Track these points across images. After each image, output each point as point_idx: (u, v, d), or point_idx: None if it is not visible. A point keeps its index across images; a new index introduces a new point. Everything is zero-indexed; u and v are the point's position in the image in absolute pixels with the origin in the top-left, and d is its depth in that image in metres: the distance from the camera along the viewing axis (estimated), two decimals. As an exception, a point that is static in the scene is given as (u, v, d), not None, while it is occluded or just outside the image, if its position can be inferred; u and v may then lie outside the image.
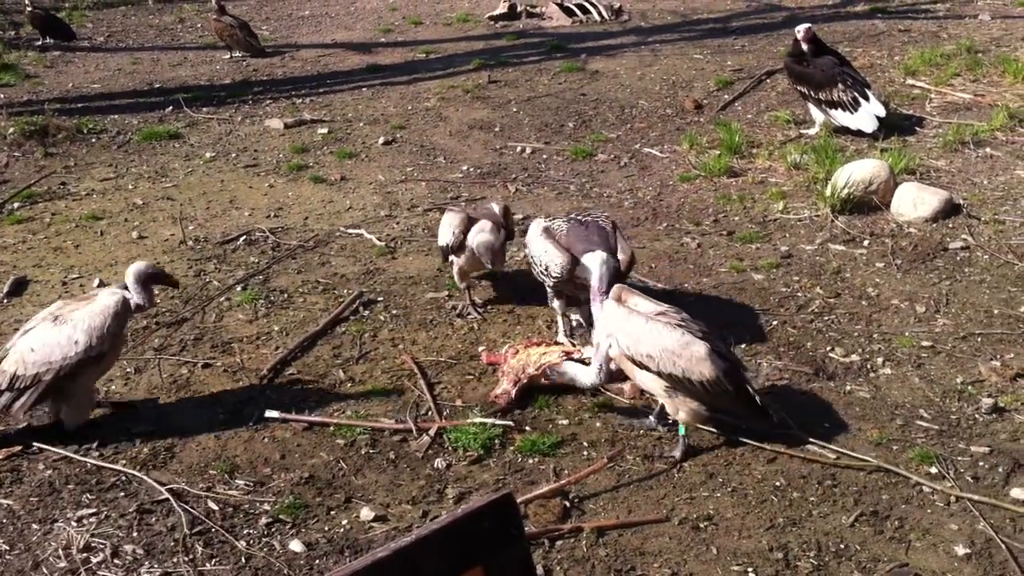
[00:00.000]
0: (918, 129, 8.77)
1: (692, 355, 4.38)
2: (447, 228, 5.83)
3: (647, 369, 4.45)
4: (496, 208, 5.92)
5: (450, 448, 4.66)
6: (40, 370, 4.61)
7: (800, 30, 8.89)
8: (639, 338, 4.46)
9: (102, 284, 6.35)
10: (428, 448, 4.66)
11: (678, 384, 4.44)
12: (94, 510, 4.31)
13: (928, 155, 8.14)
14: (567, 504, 4.26)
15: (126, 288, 4.80)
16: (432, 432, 4.73)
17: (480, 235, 5.64)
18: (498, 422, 4.78)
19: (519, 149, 8.73)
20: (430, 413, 4.93)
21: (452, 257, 5.87)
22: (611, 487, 4.38)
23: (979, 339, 5.48)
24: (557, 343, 5.24)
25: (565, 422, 4.85)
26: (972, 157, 8.10)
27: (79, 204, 7.74)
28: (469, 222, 5.75)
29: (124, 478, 4.52)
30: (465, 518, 2.14)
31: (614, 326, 4.56)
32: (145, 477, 4.50)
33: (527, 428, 4.80)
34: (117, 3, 16.26)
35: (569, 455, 4.61)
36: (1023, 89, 9.55)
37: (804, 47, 8.81)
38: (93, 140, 9.21)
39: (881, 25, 12.34)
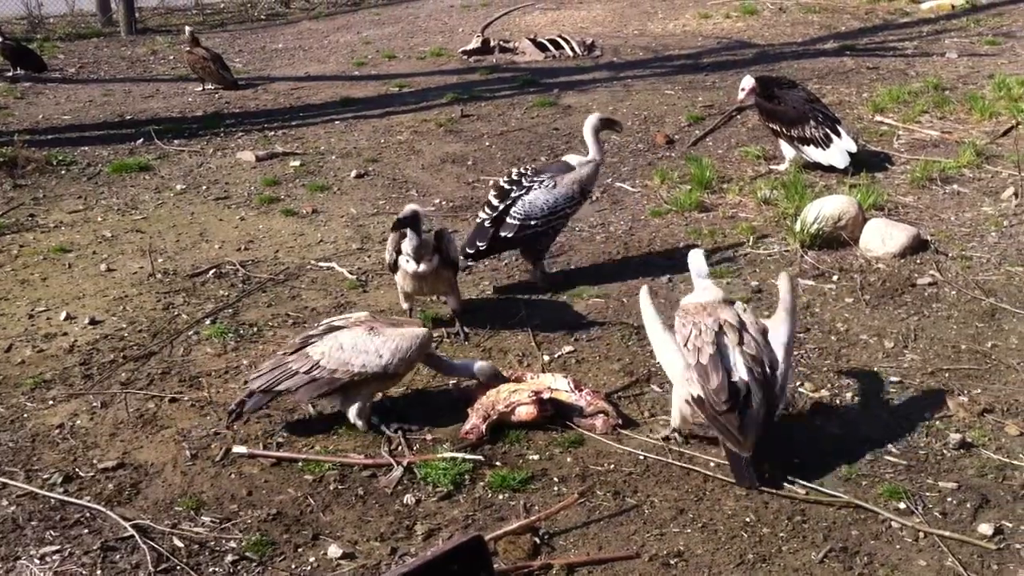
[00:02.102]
0: (886, 165, 8.85)
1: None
2: (386, 248, 6.07)
3: None
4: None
5: (420, 483, 4.63)
6: (339, 368, 4.90)
7: (744, 87, 8.95)
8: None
9: (69, 317, 6.31)
10: (397, 484, 4.63)
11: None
12: (57, 547, 4.25)
13: (896, 191, 8.22)
14: (537, 540, 4.23)
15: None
16: (402, 467, 4.70)
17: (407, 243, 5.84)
18: (468, 457, 4.75)
19: (491, 183, 8.74)
20: (400, 448, 4.90)
21: (396, 277, 6.03)
22: (581, 523, 4.37)
23: (947, 374, 5.51)
24: (527, 380, 5.21)
25: (536, 457, 4.84)
26: (939, 193, 8.19)
27: (47, 236, 7.69)
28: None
29: (89, 514, 4.46)
30: (434, 562, 2.12)
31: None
32: (110, 513, 4.44)
33: (497, 463, 4.77)
34: (89, 35, 16.23)
35: (539, 491, 4.59)
36: (990, 126, 9.67)
37: (744, 98, 8.91)
38: (63, 172, 9.17)
39: (850, 63, 12.48)
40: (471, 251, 6.62)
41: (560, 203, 6.59)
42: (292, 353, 5.02)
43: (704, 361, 4.60)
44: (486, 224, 6.61)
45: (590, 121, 6.75)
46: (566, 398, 5.08)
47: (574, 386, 5.13)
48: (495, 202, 6.63)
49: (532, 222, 6.54)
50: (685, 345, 4.72)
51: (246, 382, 5.18)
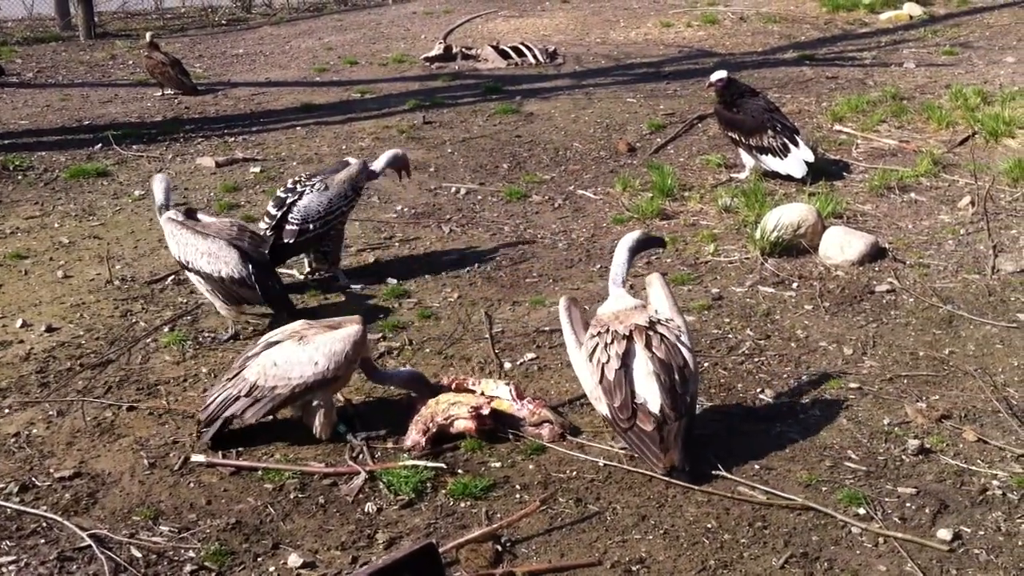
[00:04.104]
0: (845, 174, 8.94)
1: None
2: None
3: None
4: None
5: (381, 491, 4.61)
6: (278, 384, 4.88)
7: (715, 77, 9.01)
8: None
9: (25, 325, 6.22)
10: (359, 492, 4.60)
11: None
12: (13, 557, 4.19)
13: (855, 199, 8.30)
14: (499, 548, 4.22)
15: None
16: (363, 476, 4.68)
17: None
18: (430, 464, 4.73)
19: (453, 190, 8.74)
20: (361, 456, 4.88)
21: None
22: (544, 530, 4.36)
23: (905, 381, 5.56)
24: (470, 390, 5.19)
25: (498, 465, 4.83)
26: (897, 202, 8.27)
27: (3, 243, 7.59)
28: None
29: (45, 524, 4.41)
30: (385, 570, 2.10)
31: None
32: (66, 523, 4.38)
33: (459, 471, 4.76)
34: (48, 39, 16.05)
35: (501, 498, 4.59)
36: (946, 135, 9.79)
37: (714, 93, 9.01)
38: (19, 177, 9.05)
39: (809, 72, 12.59)
40: None
41: (335, 203, 6.75)
42: (232, 378, 4.99)
43: (610, 377, 4.68)
44: (267, 234, 6.70)
45: (392, 152, 7.17)
46: (507, 407, 5.06)
47: (516, 394, 5.11)
48: (273, 211, 6.78)
49: (310, 225, 6.67)
50: (590, 361, 4.78)
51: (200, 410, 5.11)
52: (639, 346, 4.70)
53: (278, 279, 6.41)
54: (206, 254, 6.01)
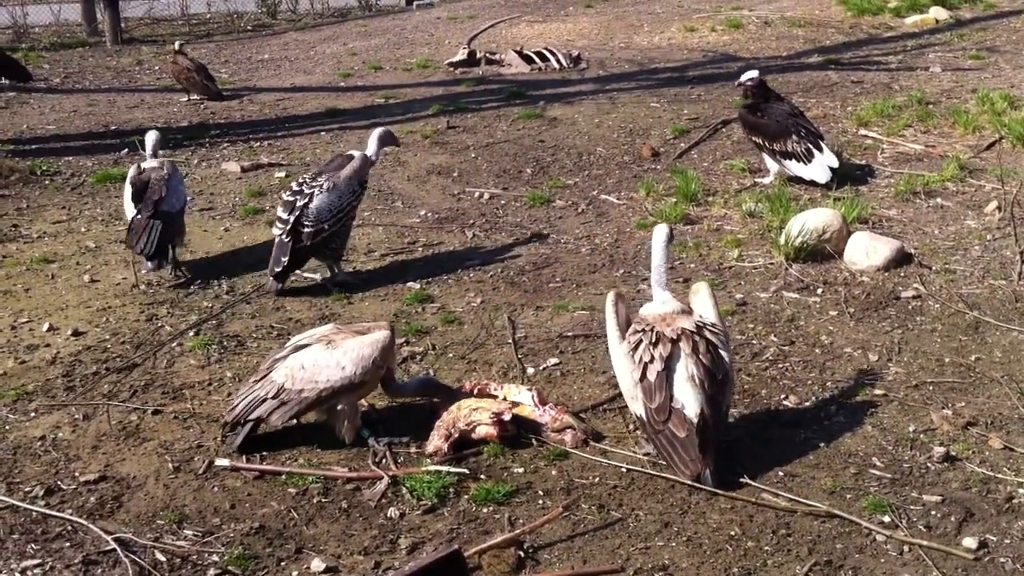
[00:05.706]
0: (870, 179, 8.89)
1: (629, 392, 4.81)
2: None
3: None
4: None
5: (404, 497, 4.61)
6: (305, 387, 4.91)
7: (746, 77, 9.01)
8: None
9: (52, 329, 6.27)
10: (381, 497, 4.61)
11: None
12: (39, 560, 4.23)
13: (880, 204, 8.25)
14: (521, 554, 4.22)
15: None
16: (386, 481, 4.69)
17: None
18: (453, 470, 4.74)
19: (477, 194, 8.75)
20: (384, 461, 4.89)
21: None
22: (566, 536, 4.36)
23: (931, 387, 5.52)
24: (492, 396, 5.19)
25: (520, 470, 4.83)
26: (923, 207, 8.22)
27: (31, 247, 7.65)
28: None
29: (70, 527, 4.44)
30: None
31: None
32: (91, 526, 4.41)
33: (482, 476, 4.76)
34: (75, 44, 16.16)
35: (524, 504, 4.58)
36: (973, 140, 9.72)
37: (748, 94, 8.97)
38: (46, 182, 9.12)
39: (834, 76, 12.52)
40: (278, 269, 6.75)
41: (345, 199, 6.90)
42: (259, 380, 5.02)
43: (651, 378, 4.64)
44: (284, 239, 6.76)
45: (378, 132, 7.27)
46: (529, 413, 5.06)
47: (538, 400, 5.11)
48: (285, 215, 6.83)
49: (325, 225, 6.77)
50: (632, 357, 4.74)
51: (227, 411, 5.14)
52: (685, 351, 4.66)
53: (158, 231, 6.87)
54: (124, 195, 7.21)
